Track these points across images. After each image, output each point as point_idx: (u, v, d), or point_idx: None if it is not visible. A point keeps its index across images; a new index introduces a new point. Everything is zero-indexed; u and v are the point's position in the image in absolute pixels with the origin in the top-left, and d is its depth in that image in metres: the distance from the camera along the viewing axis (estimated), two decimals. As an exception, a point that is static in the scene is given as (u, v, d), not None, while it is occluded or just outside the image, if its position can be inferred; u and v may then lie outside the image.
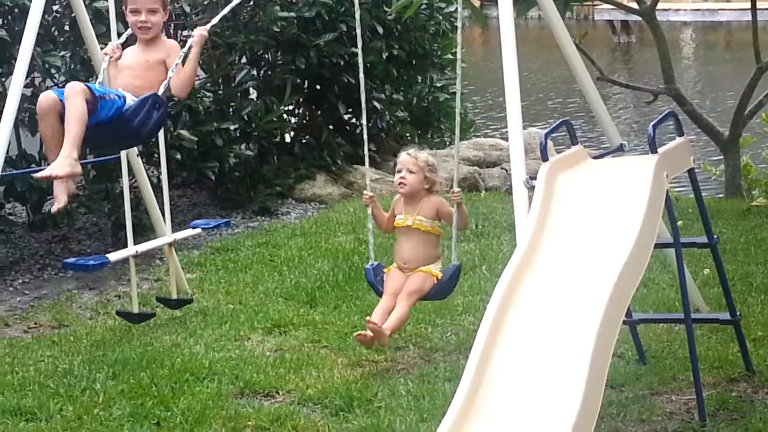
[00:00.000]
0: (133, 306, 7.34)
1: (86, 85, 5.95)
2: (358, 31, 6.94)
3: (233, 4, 6.71)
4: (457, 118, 6.70)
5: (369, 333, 6.30)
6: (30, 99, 8.71)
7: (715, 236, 5.91)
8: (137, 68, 6.37)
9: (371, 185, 6.96)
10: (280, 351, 6.76)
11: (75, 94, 5.84)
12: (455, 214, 6.47)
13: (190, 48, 6.32)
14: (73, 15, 7.77)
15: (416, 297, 6.48)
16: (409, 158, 6.61)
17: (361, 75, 6.88)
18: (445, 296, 6.65)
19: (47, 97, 6.00)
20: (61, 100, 5.91)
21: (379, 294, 6.59)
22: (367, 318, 6.33)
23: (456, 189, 6.51)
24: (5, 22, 8.79)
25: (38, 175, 5.90)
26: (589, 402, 4.15)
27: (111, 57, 6.50)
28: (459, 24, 6.58)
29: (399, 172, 6.64)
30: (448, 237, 6.76)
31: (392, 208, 6.74)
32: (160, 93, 6.21)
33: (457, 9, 12.27)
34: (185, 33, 10.86)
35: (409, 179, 6.58)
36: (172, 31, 10.87)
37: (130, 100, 6.15)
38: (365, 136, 6.80)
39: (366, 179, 6.93)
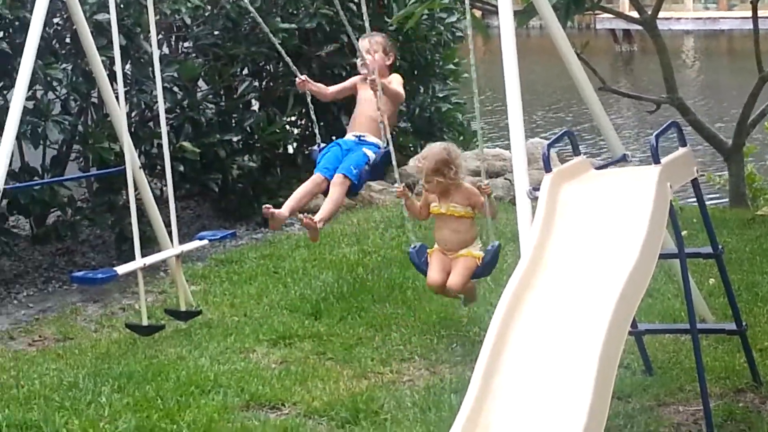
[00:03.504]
0: (142, 318, 7.33)
1: (349, 177, 7.44)
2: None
3: None
4: (478, 117, 6.94)
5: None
6: (32, 112, 8.71)
7: (719, 246, 5.90)
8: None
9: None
10: (286, 363, 6.76)
11: (341, 184, 7.43)
12: (487, 203, 6.77)
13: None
14: (74, 27, 7.77)
15: (467, 279, 6.86)
16: (420, 169, 6.90)
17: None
18: (488, 274, 7.05)
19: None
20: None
21: (425, 274, 6.95)
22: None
23: (485, 181, 6.75)
24: (6, 34, 8.79)
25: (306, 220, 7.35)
26: (596, 413, 4.14)
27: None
28: (469, 32, 6.72)
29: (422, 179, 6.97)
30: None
31: (425, 197, 7.02)
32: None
33: (459, 19, 12.45)
34: (186, 45, 10.88)
35: (429, 188, 6.88)
36: (173, 42, 10.90)
37: (372, 153, 7.58)
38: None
39: (395, 173, 7.29)
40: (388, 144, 7.43)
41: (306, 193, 7.58)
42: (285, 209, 7.47)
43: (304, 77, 7.92)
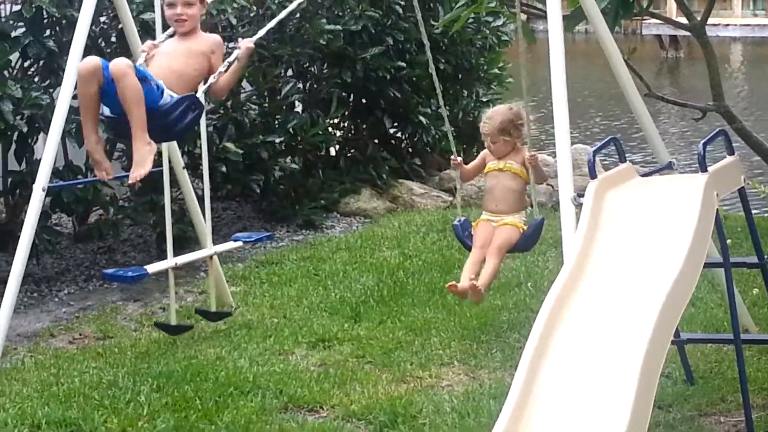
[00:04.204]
0: (171, 318, 7.35)
1: (130, 62, 5.92)
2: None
3: (280, 16, 6.74)
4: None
5: (464, 285, 6.48)
6: (77, 110, 8.72)
7: (765, 256, 5.85)
8: (178, 54, 6.28)
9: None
10: (325, 366, 6.75)
11: (125, 74, 5.79)
12: (532, 174, 6.66)
13: (236, 59, 6.29)
14: (120, 26, 7.80)
15: (505, 249, 6.65)
16: (486, 127, 6.77)
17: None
18: (530, 248, 6.83)
19: (91, 63, 5.91)
20: (103, 69, 5.84)
21: (468, 248, 6.75)
22: (469, 277, 6.49)
23: (532, 153, 6.64)
24: (53, 33, 8.84)
25: (132, 178, 6.00)
26: (637, 422, 4.10)
27: (147, 54, 6.36)
28: (518, 37, 6.91)
29: (485, 139, 6.79)
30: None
31: (481, 157, 6.90)
32: (198, 94, 6.18)
33: (505, 23, 12.41)
34: (231, 45, 10.89)
35: (493, 148, 6.79)
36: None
37: (168, 95, 6.04)
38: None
39: (452, 147, 7.16)
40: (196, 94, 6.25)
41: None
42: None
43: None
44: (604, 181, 5.20)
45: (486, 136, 6.81)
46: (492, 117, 6.82)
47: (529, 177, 6.75)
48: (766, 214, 11.25)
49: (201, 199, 7.82)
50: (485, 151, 6.91)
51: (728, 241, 6.39)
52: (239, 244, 7.82)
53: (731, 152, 5.63)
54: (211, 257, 7.60)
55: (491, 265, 6.58)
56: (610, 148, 5.65)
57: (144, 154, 5.94)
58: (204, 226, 7.68)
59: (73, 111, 8.31)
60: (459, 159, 6.95)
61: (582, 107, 21.76)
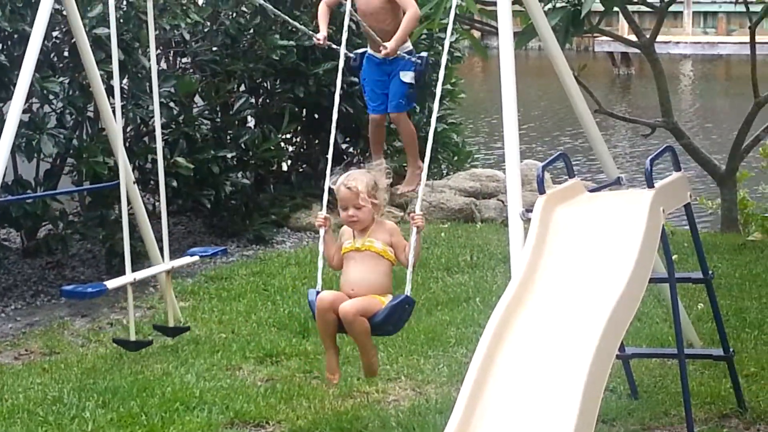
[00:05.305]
0: (130, 334, 7.29)
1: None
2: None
3: None
4: (430, 140, 6.03)
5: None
6: (27, 125, 8.69)
7: (710, 271, 5.90)
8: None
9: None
10: (272, 381, 6.73)
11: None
12: (412, 239, 5.69)
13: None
14: (73, 41, 7.76)
15: (360, 311, 5.65)
16: (351, 193, 5.80)
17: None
18: (389, 327, 5.74)
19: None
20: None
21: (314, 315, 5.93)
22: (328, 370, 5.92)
23: (418, 212, 5.71)
24: (4, 47, 8.79)
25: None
26: (581, 436, 4.11)
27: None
28: (444, 59, 6.38)
29: (345, 209, 5.82)
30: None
31: (339, 238, 5.97)
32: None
33: (457, 39, 12.44)
34: (185, 60, 10.87)
35: (359, 216, 5.79)
36: (171, 57, 10.89)
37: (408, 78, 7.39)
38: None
39: (324, 199, 6.06)
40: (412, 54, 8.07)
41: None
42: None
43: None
44: (552, 196, 5.23)
45: (347, 201, 5.80)
46: (356, 178, 5.84)
47: (394, 259, 5.81)
48: (713, 230, 11.34)
49: (150, 214, 7.79)
50: (342, 229, 5.97)
51: (675, 257, 6.45)
52: (196, 258, 7.78)
53: (678, 168, 5.69)
54: (168, 272, 7.56)
55: (362, 347, 5.83)
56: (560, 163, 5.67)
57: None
58: (154, 241, 7.64)
59: (22, 125, 8.28)
60: (327, 216, 5.97)
61: (533, 123, 21.83)
